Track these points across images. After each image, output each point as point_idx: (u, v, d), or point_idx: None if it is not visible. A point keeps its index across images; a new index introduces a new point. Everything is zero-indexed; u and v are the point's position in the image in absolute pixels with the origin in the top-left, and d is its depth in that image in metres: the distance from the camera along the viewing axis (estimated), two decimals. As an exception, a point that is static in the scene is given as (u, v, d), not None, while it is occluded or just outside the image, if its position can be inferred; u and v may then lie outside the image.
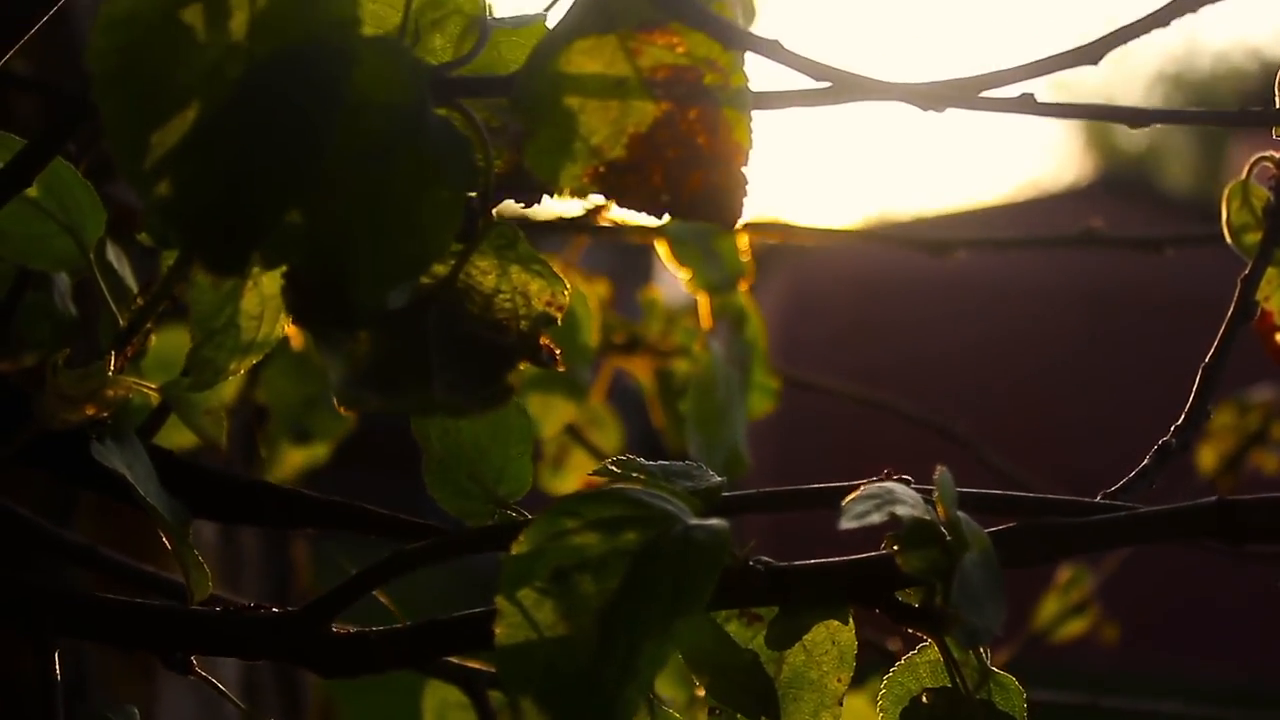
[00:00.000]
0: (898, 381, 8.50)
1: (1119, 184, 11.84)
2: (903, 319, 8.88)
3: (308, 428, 0.99)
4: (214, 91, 0.49)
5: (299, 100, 0.48)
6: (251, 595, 1.43)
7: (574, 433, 1.06)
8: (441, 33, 0.58)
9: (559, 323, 0.55)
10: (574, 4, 0.52)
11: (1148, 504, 0.56)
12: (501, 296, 0.55)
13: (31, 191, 0.69)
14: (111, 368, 0.66)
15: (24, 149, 0.60)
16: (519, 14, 0.59)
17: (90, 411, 0.66)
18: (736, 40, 0.49)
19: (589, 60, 0.51)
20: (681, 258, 0.92)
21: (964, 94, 0.52)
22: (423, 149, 0.50)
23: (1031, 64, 0.53)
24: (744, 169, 0.51)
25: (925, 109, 0.51)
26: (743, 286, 0.91)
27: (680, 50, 0.50)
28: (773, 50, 0.49)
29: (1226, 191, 0.70)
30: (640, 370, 1.07)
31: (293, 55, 0.48)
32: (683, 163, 0.51)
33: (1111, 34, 0.52)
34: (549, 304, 0.56)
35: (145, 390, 0.68)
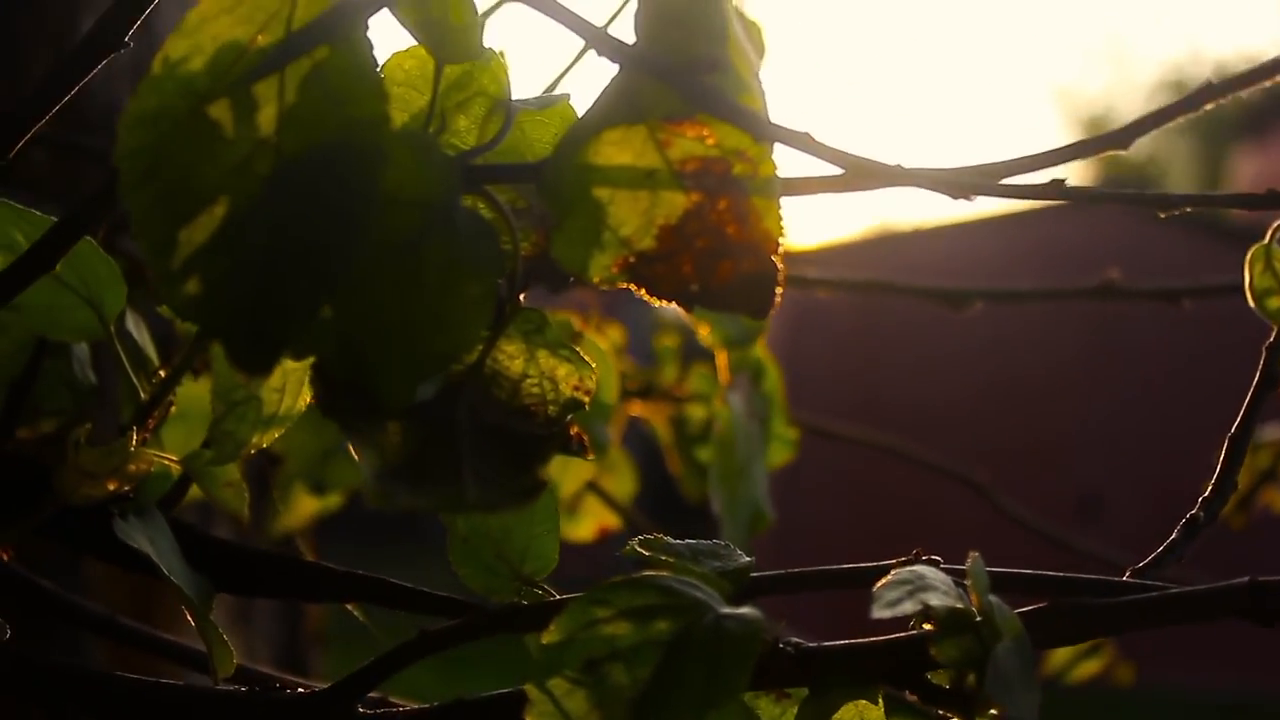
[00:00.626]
0: (901, 386, 8.50)
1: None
2: (905, 322, 8.87)
3: (324, 479, 0.99)
4: (242, 187, 0.49)
5: (330, 200, 0.48)
6: (264, 636, 1.42)
7: (588, 480, 1.06)
8: (466, 114, 0.58)
9: (586, 408, 0.55)
10: (601, 94, 0.51)
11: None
12: (529, 381, 0.55)
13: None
14: (133, 442, 0.66)
15: (51, 231, 0.60)
16: (543, 95, 0.59)
17: (112, 486, 0.66)
18: (766, 132, 0.49)
19: (618, 151, 0.51)
20: (700, 312, 0.91)
21: (990, 181, 0.52)
22: (452, 244, 0.49)
23: (1059, 150, 0.53)
24: (774, 257, 0.51)
25: (955, 197, 0.50)
26: (760, 340, 0.91)
27: (710, 142, 0.50)
28: (802, 142, 0.49)
29: (1250, 255, 0.70)
30: (655, 416, 1.07)
31: (323, 153, 0.48)
32: (713, 252, 0.51)
33: (1142, 119, 0.52)
34: (576, 389, 0.55)
35: (167, 463, 0.68)
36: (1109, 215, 8.57)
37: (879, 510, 8.01)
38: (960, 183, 0.50)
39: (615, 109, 0.51)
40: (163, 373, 0.69)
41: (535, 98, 0.58)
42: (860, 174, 0.52)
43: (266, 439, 0.66)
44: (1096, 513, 8.81)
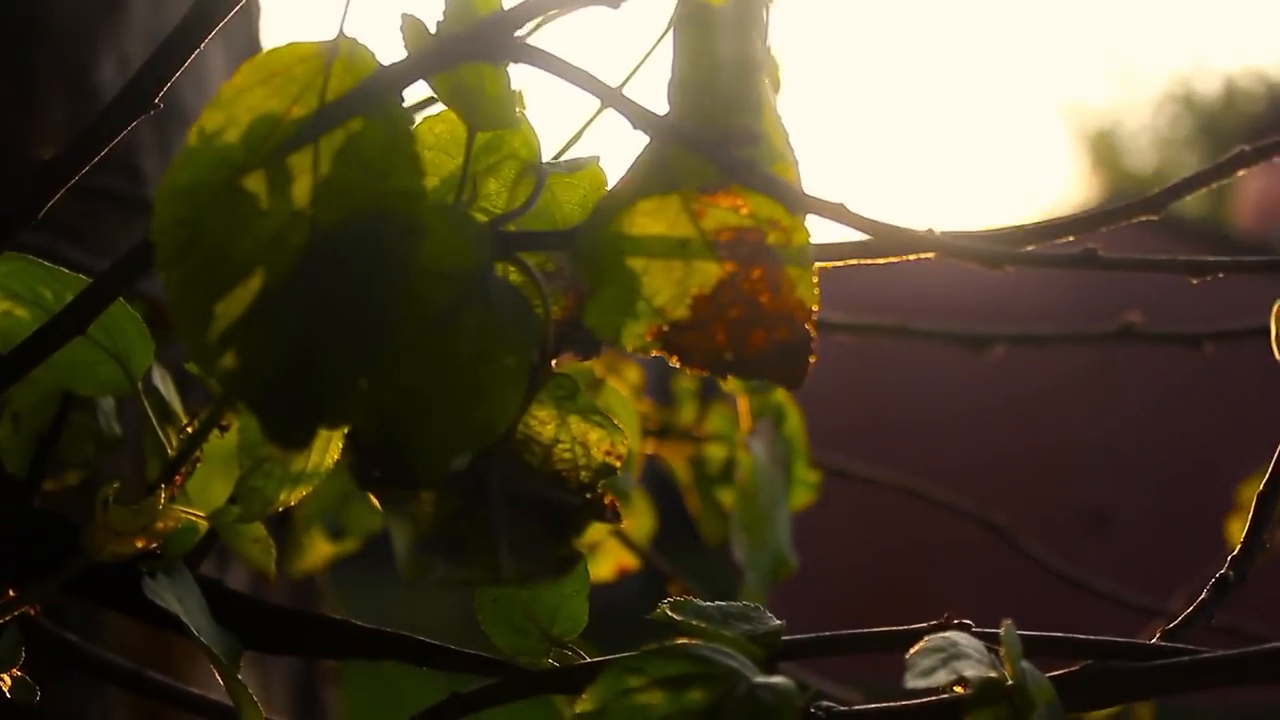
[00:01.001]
0: (906, 400, 8.48)
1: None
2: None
3: (342, 524, 0.99)
4: (277, 260, 0.49)
5: (366, 272, 0.48)
6: (280, 671, 1.42)
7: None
8: (496, 178, 0.58)
9: (618, 473, 0.55)
10: (635, 163, 0.52)
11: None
12: (561, 447, 0.55)
13: (80, 319, 0.69)
14: (161, 500, 0.66)
15: (83, 295, 0.60)
16: (573, 158, 0.59)
17: (140, 544, 0.66)
18: (801, 204, 0.49)
19: (652, 221, 0.51)
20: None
21: (1025, 250, 0.52)
22: (488, 315, 0.49)
23: (1089, 216, 0.53)
24: (807, 327, 0.51)
25: (990, 268, 0.50)
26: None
27: (744, 212, 0.50)
28: (836, 212, 0.49)
29: (1275, 310, 0.70)
30: (673, 456, 1.07)
31: (359, 225, 0.48)
32: (746, 322, 0.51)
33: (1175, 186, 0.52)
34: (608, 454, 0.55)
35: (194, 519, 0.68)
36: (1123, 232, 8.55)
37: (887, 538, 7.99)
38: (996, 254, 0.50)
39: (648, 179, 0.51)
40: (190, 428, 0.69)
41: (565, 161, 0.58)
42: (893, 242, 0.52)
43: (294, 496, 0.66)
44: (1104, 527, 8.80)
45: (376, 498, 0.51)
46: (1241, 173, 0.51)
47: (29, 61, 1.28)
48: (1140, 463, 8.60)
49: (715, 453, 1.04)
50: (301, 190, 0.49)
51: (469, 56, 0.48)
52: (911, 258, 0.50)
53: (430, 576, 0.49)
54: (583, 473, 0.55)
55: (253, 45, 1.51)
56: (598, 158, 0.59)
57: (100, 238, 1.24)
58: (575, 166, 0.58)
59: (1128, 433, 8.53)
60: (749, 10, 0.49)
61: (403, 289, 0.48)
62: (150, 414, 0.69)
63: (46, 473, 0.74)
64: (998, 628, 0.54)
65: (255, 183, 0.49)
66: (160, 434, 0.69)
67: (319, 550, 1.07)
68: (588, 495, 0.54)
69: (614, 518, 0.52)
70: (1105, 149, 17.70)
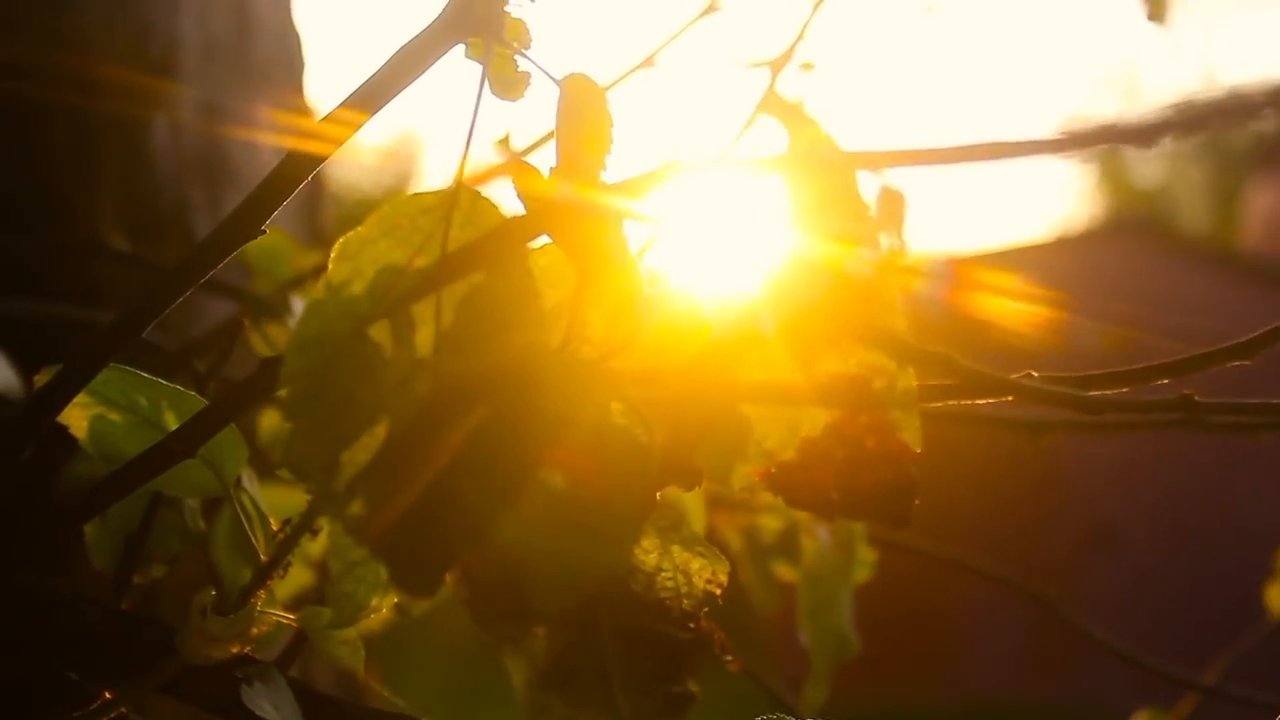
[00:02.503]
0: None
1: (1133, 224, 11.81)
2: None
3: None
4: (402, 408, 0.50)
5: (488, 422, 0.49)
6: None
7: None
8: (599, 307, 0.59)
9: (720, 601, 0.56)
10: (744, 310, 0.53)
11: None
12: (663, 575, 0.56)
13: (173, 426, 0.70)
14: (257, 606, 0.67)
15: (196, 419, 0.61)
16: (672, 284, 0.60)
17: (235, 649, 0.67)
18: (909, 355, 0.50)
19: (764, 368, 0.52)
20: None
21: (1117, 396, 0.53)
22: (604, 460, 0.51)
23: (1182, 361, 0.54)
24: (912, 469, 0.53)
25: (1088, 414, 0.52)
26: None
27: (854, 361, 0.52)
28: (942, 363, 0.51)
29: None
30: (726, 526, 1.08)
31: (482, 375, 0.50)
32: (852, 464, 0.52)
33: (1262, 334, 0.53)
34: (709, 582, 0.57)
35: (285, 621, 0.69)
36: (1145, 247, 8.57)
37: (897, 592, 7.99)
38: (1093, 401, 0.52)
39: (760, 322, 0.52)
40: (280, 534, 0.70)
41: (661, 289, 0.60)
42: (986, 386, 0.53)
43: (387, 603, 0.67)
44: (1109, 544, 8.80)
45: (492, 634, 0.52)
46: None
47: (85, 124, 1.29)
48: (1145, 480, 8.61)
49: (769, 523, 1.05)
50: (424, 340, 0.51)
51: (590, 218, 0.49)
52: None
53: (549, 716, 0.50)
54: (685, 601, 0.56)
55: (299, 104, 1.53)
56: (694, 286, 0.60)
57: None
58: (672, 294, 0.59)
59: (1133, 450, 8.53)
60: (855, 157, 0.51)
61: (524, 436, 0.50)
62: (241, 517, 0.70)
63: (135, 566, 0.76)
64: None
65: (380, 332, 0.51)
66: (252, 538, 0.70)
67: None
68: (692, 626, 0.55)
69: (725, 654, 0.54)
70: (1110, 163, 17.73)
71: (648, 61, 1.18)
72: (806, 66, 1.28)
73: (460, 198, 0.52)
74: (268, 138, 1.41)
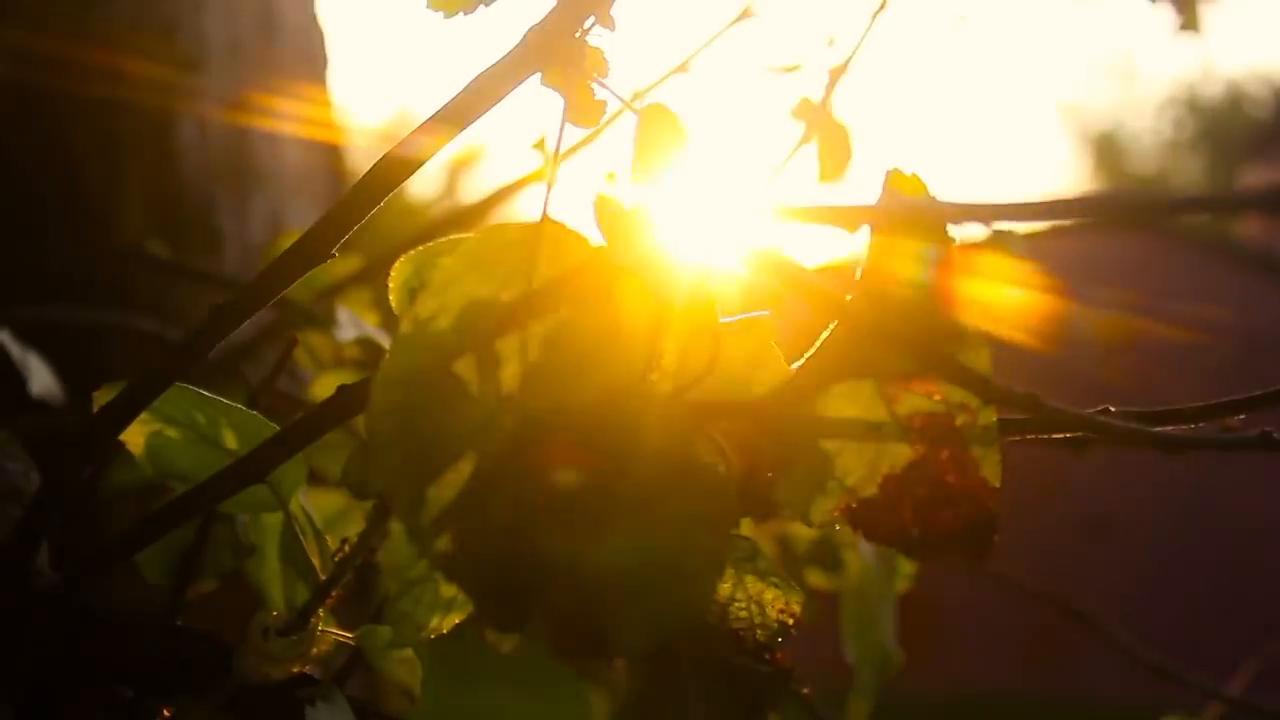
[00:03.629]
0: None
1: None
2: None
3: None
4: (488, 444, 0.50)
5: (573, 458, 0.49)
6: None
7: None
8: (670, 335, 0.59)
9: (793, 633, 0.57)
10: (823, 346, 0.53)
11: None
12: (737, 605, 0.57)
13: (230, 443, 0.70)
14: (318, 626, 0.68)
15: (264, 446, 0.61)
16: (745, 315, 0.60)
17: (295, 669, 0.67)
18: (993, 394, 0.50)
19: (847, 405, 0.52)
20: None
21: (1192, 435, 0.53)
22: (689, 497, 0.51)
23: (1261, 396, 0.54)
24: (992, 505, 0.53)
25: (1166, 452, 0.52)
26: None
27: (937, 398, 0.52)
28: (1025, 403, 0.51)
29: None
30: (760, 534, 1.08)
31: (571, 412, 0.50)
32: (933, 501, 0.53)
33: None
34: (782, 612, 0.57)
35: (345, 640, 0.69)
36: (1141, 234, 8.57)
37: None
38: (1171, 439, 0.52)
39: (842, 364, 0.52)
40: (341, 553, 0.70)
41: (736, 319, 0.60)
42: (1055, 422, 0.54)
43: (446, 623, 0.67)
44: (1106, 532, 8.82)
45: (574, 667, 0.53)
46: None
47: (111, 125, 1.29)
48: (1142, 470, 8.62)
49: (803, 532, 1.05)
50: (510, 375, 0.51)
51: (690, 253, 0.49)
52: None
53: (633, 751, 0.50)
54: (759, 631, 0.56)
55: (320, 90, 1.53)
56: (767, 314, 0.60)
57: (175, 308, 1.25)
58: (746, 323, 0.59)
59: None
60: (941, 207, 0.51)
61: (609, 473, 0.50)
62: (300, 534, 0.70)
63: (190, 580, 0.76)
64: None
65: (466, 367, 0.51)
66: (311, 557, 0.70)
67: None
68: (766, 657, 0.55)
69: (796, 684, 0.54)
70: (1107, 151, 17.73)
71: (682, 67, 1.18)
72: (837, 71, 1.28)
73: (546, 231, 0.52)
74: (293, 135, 1.41)
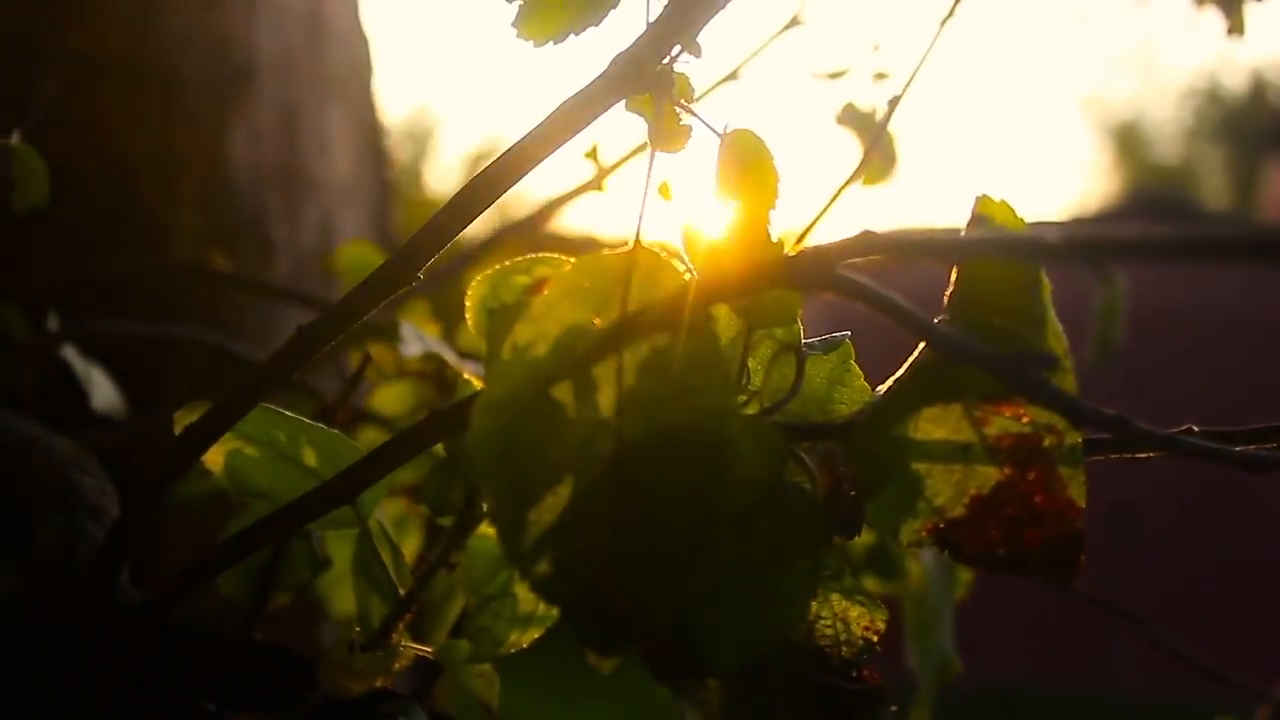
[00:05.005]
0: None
1: (1151, 202, 11.75)
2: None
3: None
4: (586, 468, 0.51)
5: (670, 483, 0.50)
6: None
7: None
8: (754, 356, 0.60)
9: (878, 650, 0.57)
10: (912, 370, 0.54)
11: None
12: (823, 622, 0.57)
13: (310, 461, 0.71)
14: (400, 642, 0.69)
15: (351, 470, 0.62)
16: (825, 337, 0.61)
17: (378, 684, 0.68)
18: (1083, 418, 0.51)
19: (936, 427, 0.53)
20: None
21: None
22: (782, 520, 0.52)
23: None
24: (1078, 525, 0.53)
25: (1249, 471, 0.53)
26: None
27: (1025, 420, 0.53)
28: (1114, 425, 0.51)
29: None
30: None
31: (667, 437, 0.51)
32: (1020, 520, 0.53)
33: None
34: (867, 629, 0.58)
35: (424, 653, 0.70)
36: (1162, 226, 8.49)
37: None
38: (1257, 459, 0.52)
39: (930, 386, 0.53)
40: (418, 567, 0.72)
41: (819, 340, 0.61)
42: (1140, 440, 0.54)
43: (526, 637, 0.68)
44: (1128, 522, 8.79)
45: (668, 685, 0.53)
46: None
47: (164, 132, 1.30)
48: (1166, 460, 8.58)
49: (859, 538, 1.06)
50: (606, 400, 0.52)
51: (780, 284, 0.50)
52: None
53: (730, 769, 0.51)
54: (844, 649, 0.57)
55: (369, 109, 1.54)
56: (847, 336, 0.61)
57: (229, 319, 1.26)
58: (829, 345, 0.60)
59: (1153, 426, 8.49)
60: (1034, 229, 0.51)
61: (706, 496, 0.50)
62: (379, 549, 0.71)
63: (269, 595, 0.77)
64: None
65: (563, 392, 0.51)
66: (390, 573, 0.71)
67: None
68: (853, 674, 0.56)
69: (890, 702, 0.55)
70: (1128, 142, 17.67)
71: (733, 75, 1.19)
72: (880, 76, 1.29)
73: (639, 259, 0.53)
74: (342, 144, 1.42)
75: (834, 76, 1.27)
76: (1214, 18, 1.31)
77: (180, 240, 1.28)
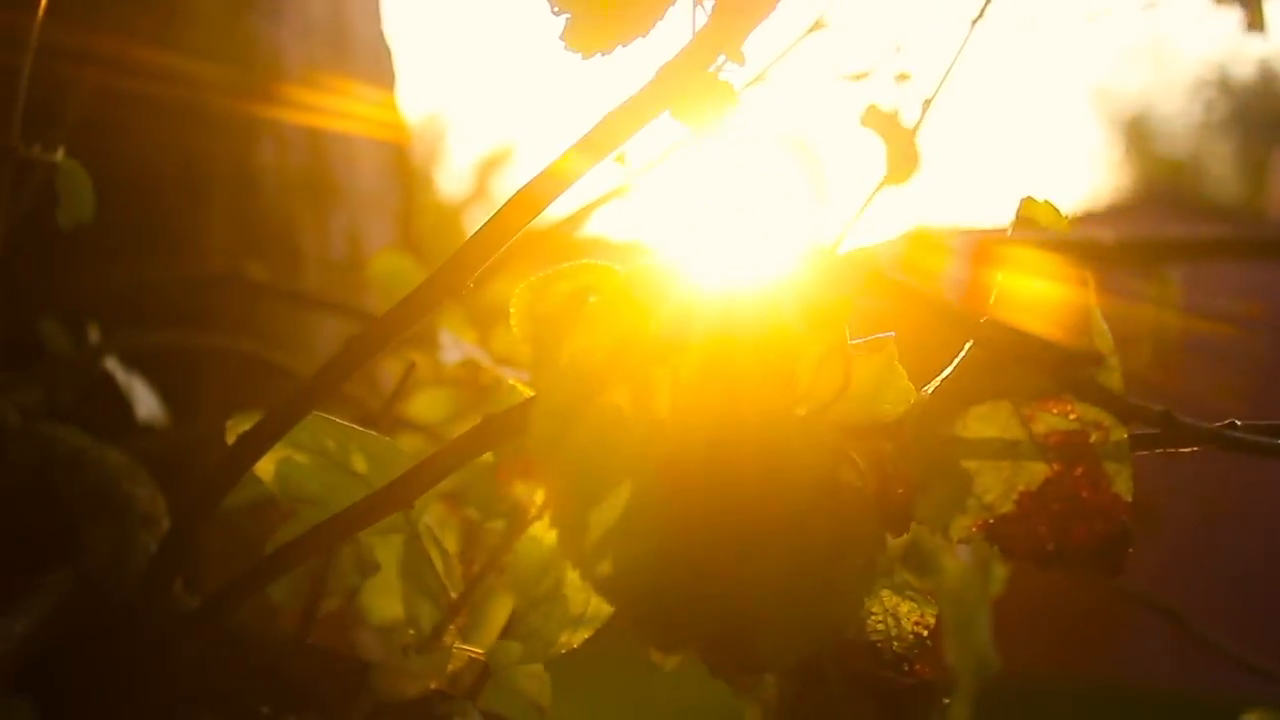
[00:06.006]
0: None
1: (1162, 196, 11.72)
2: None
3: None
4: (642, 470, 0.52)
5: (727, 484, 0.51)
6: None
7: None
8: (802, 357, 0.61)
9: (929, 644, 0.58)
10: (960, 369, 0.55)
11: None
12: (874, 618, 0.59)
13: (360, 468, 0.72)
14: (452, 643, 0.70)
15: (404, 477, 0.63)
16: (870, 337, 0.62)
17: (431, 685, 0.70)
18: (1131, 414, 0.52)
19: (985, 425, 0.54)
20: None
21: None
22: (837, 517, 0.53)
23: None
24: (1125, 520, 0.54)
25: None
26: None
27: (1073, 417, 0.54)
28: (1160, 421, 0.52)
29: None
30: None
31: (719, 438, 0.52)
32: (1068, 516, 0.54)
33: None
34: (918, 624, 0.59)
35: (475, 656, 0.71)
36: (1174, 220, 8.53)
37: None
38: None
39: (978, 384, 0.54)
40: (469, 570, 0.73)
41: (861, 341, 0.62)
42: (1186, 435, 0.55)
43: (576, 638, 0.69)
44: (1149, 523, 8.78)
45: (727, 680, 0.55)
46: None
47: (191, 142, 1.31)
48: (1185, 456, 8.56)
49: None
50: (662, 403, 0.53)
51: (829, 286, 0.51)
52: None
53: (789, 764, 0.52)
54: (895, 644, 0.58)
55: (390, 107, 1.55)
56: (891, 335, 0.62)
57: (259, 328, 1.27)
58: (873, 346, 0.61)
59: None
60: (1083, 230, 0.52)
61: (759, 495, 0.52)
62: (430, 553, 0.72)
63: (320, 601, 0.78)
64: None
65: (620, 397, 0.52)
66: (441, 576, 0.72)
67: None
68: (906, 669, 0.57)
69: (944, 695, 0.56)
70: (1138, 134, 17.64)
71: (759, 78, 1.20)
72: (903, 77, 1.30)
73: (684, 267, 0.54)
74: (367, 151, 1.44)
75: (858, 78, 1.28)
76: (1229, 12, 1.32)
77: (210, 251, 1.29)
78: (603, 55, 0.57)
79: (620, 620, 0.51)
